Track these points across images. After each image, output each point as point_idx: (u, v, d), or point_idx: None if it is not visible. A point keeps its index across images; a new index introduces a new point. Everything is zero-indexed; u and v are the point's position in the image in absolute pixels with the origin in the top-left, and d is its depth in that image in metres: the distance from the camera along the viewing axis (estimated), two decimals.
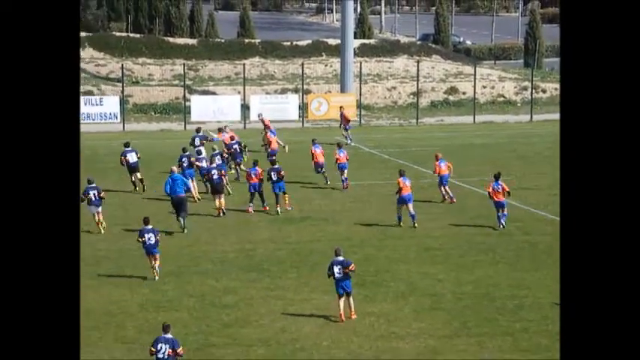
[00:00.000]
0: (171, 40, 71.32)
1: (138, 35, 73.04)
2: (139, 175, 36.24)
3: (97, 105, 52.46)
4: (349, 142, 46.00)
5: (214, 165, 34.13)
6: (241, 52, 69.10)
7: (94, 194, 30.10)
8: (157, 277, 25.70)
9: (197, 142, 38.67)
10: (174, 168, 31.98)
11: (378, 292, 24.47)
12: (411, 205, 30.86)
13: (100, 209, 30.35)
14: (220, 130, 40.31)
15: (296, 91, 58.67)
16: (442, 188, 34.43)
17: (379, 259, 27.44)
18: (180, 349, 18.47)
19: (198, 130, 40.25)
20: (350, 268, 22.33)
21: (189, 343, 20.64)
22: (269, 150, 39.92)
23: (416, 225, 30.76)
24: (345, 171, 36.61)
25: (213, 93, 59.10)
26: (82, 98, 53.30)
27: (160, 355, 18.33)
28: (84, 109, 51.59)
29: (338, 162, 36.47)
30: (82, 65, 63.59)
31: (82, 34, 71.37)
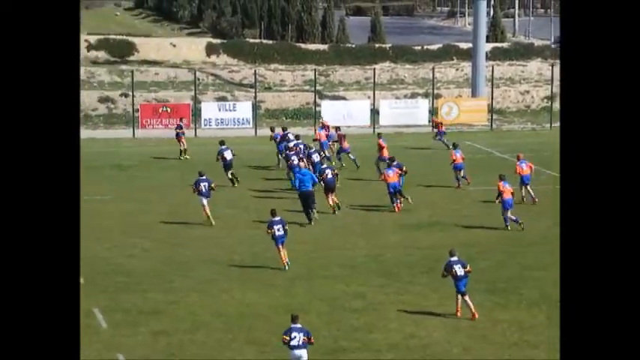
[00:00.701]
0: (302, 46, 71.93)
1: (270, 41, 73.90)
2: (231, 171, 38.00)
3: (230, 110, 53.26)
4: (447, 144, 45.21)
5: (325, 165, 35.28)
6: (372, 56, 69.25)
7: (204, 186, 31.82)
8: (287, 267, 26.80)
9: (291, 137, 40.43)
10: (302, 164, 34.49)
11: (510, 300, 24.23)
12: (510, 211, 31.21)
13: (205, 201, 31.78)
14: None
15: (426, 95, 58.48)
16: (523, 189, 34.69)
17: (511, 266, 27.17)
18: (312, 337, 19.61)
19: (284, 130, 42.18)
20: (468, 269, 23.15)
21: (319, 346, 20.79)
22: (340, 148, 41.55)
23: (522, 227, 30.93)
24: (462, 171, 37.11)
25: (343, 98, 59.36)
26: (217, 104, 54.26)
27: (295, 343, 19.31)
28: (218, 114, 52.49)
29: (454, 162, 36.98)
30: (217, 71, 64.72)
31: (217, 40, 72.63)
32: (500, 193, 31.19)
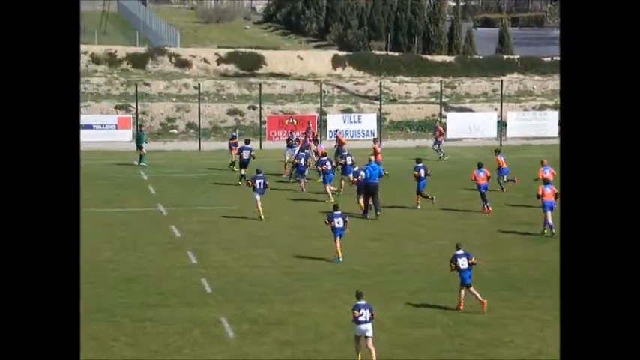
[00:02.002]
0: (429, 57, 71.76)
1: (397, 53, 73.92)
2: (244, 171, 39.87)
3: (355, 122, 53.51)
4: (442, 156, 46.80)
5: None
6: (499, 68, 68.66)
7: (259, 183, 34.12)
8: (341, 259, 28.66)
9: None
10: (372, 158, 36.27)
11: None
12: (550, 214, 31.51)
13: (259, 197, 33.98)
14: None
15: (555, 107, 57.66)
16: None
17: None
18: (374, 313, 21.20)
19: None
20: (472, 260, 24.45)
21: None
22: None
23: (553, 232, 31.29)
24: (505, 176, 38.55)
25: (470, 110, 58.98)
26: (342, 116, 54.53)
27: (362, 318, 21.03)
28: (343, 126, 52.78)
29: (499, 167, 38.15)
30: (343, 83, 65.05)
31: (343, 53, 73.04)
32: (540, 195, 32.07)
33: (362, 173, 35.08)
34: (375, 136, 48.31)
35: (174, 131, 55.43)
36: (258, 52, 71.38)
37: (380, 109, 55.34)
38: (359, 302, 21.31)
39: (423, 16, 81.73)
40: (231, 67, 68.57)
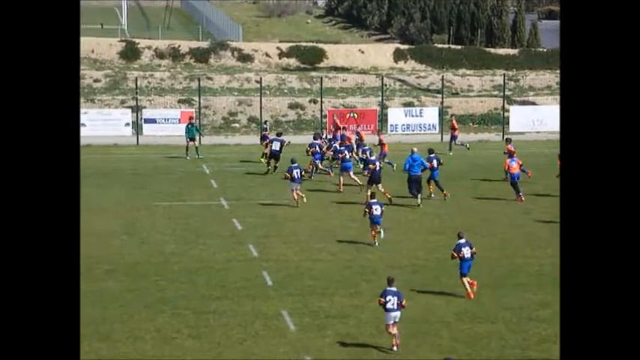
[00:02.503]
0: (492, 50, 71.26)
1: (459, 47, 73.52)
2: (275, 162, 41.09)
3: (417, 116, 53.31)
4: (449, 150, 46.47)
5: (374, 157, 36.84)
6: None
7: (297, 172, 34.94)
8: (377, 244, 29.56)
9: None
10: (415, 149, 36.31)
11: None
12: None
13: (299, 186, 35.06)
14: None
15: None
16: None
17: None
18: (404, 301, 21.42)
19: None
20: (474, 250, 24.93)
21: (507, 356, 20.53)
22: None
23: None
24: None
25: (533, 103, 58.47)
26: (403, 109, 54.38)
27: (390, 306, 21.23)
28: (404, 120, 52.64)
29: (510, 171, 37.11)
30: (404, 77, 64.87)
31: (405, 46, 72.82)
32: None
33: (376, 163, 35.65)
34: (380, 128, 48.26)
35: (236, 125, 55.67)
36: (320, 45, 71.44)
37: (442, 103, 55.08)
38: (388, 289, 21.54)
39: (486, 9, 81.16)
40: (292, 61, 68.70)
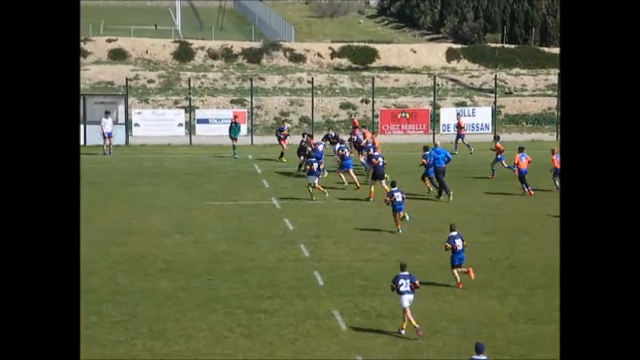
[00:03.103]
0: (546, 49, 70.72)
1: (512, 46, 73.04)
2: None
3: (469, 116, 53.06)
4: (456, 151, 45.75)
5: (377, 152, 37.36)
6: None
7: (315, 166, 36.05)
8: (401, 231, 31.14)
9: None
10: (438, 142, 38.01)
11: None
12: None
13: (317, 180, 36.01)
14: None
15: None
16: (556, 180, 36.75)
17: None
18: (417, 281, 22.31)
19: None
20: (465, 242, 25.76)
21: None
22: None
23: None
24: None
25: None
26: (456, 109, 54.13)
27: (403, 289, 22.10)
28: (456, 119, 52.37)
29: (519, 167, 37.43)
30: (457, 77, 64.58)
31: (458, 45, 72.51)
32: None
33: (380, 159, 36.32)
34: (365, 124, 47.31)
35: (288, 125, 55.79)
36: (372, 45, 71.34)
37: (495, 102, 54.75)
38: (400, 273, 22.36)
39: (540, 8, 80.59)
40: (344, 61, 68.68)
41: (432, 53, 69.72)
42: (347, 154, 38.83)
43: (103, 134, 46.36)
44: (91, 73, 62.16)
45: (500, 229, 31.94)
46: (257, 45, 71.08)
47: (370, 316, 23.84)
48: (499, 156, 40.64)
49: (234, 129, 46.00)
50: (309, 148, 40.05)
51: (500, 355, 21.13)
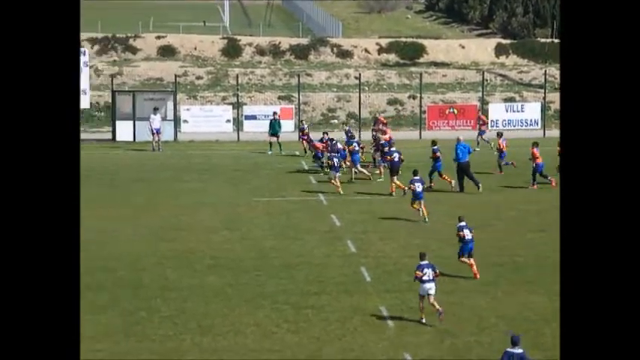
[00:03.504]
0: None
1: None
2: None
3: (518, 112, 52.77)
4: (477, 148, 45.36)
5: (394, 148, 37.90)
6: None
7: (336, 161, 36.77)
8: (427, 219, 32.11)
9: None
10: (461, 137, 38.12)
11: None
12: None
13: (338, 174, 36.76)
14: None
15: None
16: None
17: None
18: (438, 271, 23.17)
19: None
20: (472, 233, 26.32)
21: None
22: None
23: None
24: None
25: None
26: (504, 105, 53.84)
27: (426, 277, 22.83)
28: (505, 115, 52.13)
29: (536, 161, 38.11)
30: (505, 72, 64.22)
31: (507, 41, 72.06)
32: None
33: (395, 154, 36.75)
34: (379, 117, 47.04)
35: (335, 121, 55.80)
36: (420, 41, 71.16)
37: (544, 98, 54.38)
38: (422, 263, 22.98)
39: None
40: (392, 57, 68.57)
41: (480, 49, 69.38)
42: (357, 149, 39.43)
43: (152, 130, 46.69)
44: (140, 70, 62.64)
45: (548, 225, 31.71)
46: (304, 41, 71.17)
47: (417, 312, 23.80)
48: (502, 153, 40.91)
49: (274, 125, 46.12)
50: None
51: (548, 353, 21.01)
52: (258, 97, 57.25)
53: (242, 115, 51.54)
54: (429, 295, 22.89)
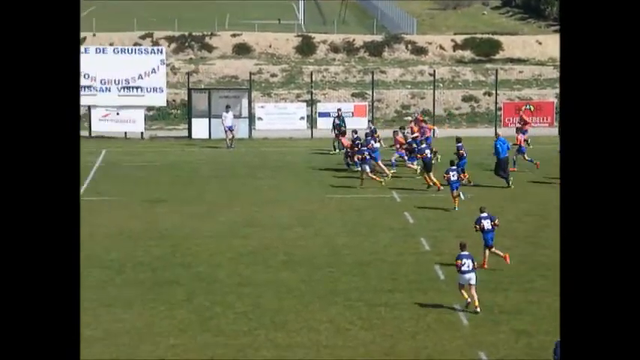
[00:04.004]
0: None
1: None
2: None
3: None
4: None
5: (424, 145, 37.85)
6: None
7: (367, 154, 37.24)
8: (457, 208, 33.26)
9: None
10: (500, 133, 38.97)
11: None
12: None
13: (368, 168, 37.19)
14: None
15: None
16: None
17: None
18: (476, 263, 23.56)
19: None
20: (496, 222, 26.73)
21: None
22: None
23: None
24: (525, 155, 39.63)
25: None
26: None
27: (465, 268, 23.21)
28: None
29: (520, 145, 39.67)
30: None
31: None
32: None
33: (427, 151, 37.05)
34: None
35: (409, 118, 55.64)
36: (496, 37, 70.62)
37: None
38: (461, 253, 23.37)
39: None
40: (467, 54, 68.16)
41: (558, 44, 68.62)
42: (375, 146, 39.48)
43: (224, 128, 46.98)
44: (216, 68, 63.13)
45: None
46: (379, 38, 71.07)
47: (493, 311, 23.65)
48: (521, 148, 40.76)
49: (338, 123, 46.07)
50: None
51: None
52: (331, 95, 57.31)
53: (316, 112, 51.64)
54: (469, 284, 23.24)
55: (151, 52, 49.71)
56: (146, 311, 24.01)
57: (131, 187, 37.89)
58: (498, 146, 37.20)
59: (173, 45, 67.77)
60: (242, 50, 68.35)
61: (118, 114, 48.26)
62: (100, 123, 48.45)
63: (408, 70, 62.85)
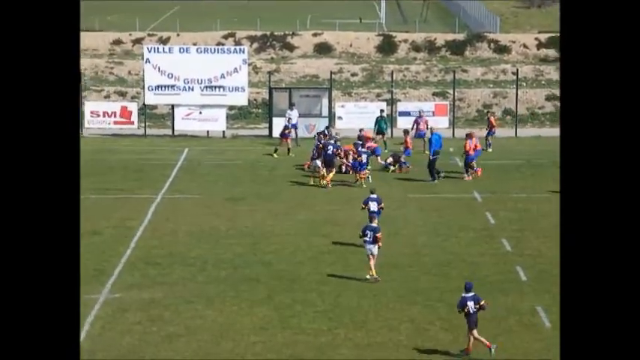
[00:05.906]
0: None
1: None
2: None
3: None
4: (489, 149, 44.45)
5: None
6: None
7: (365, 157, 38.05)
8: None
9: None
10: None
11: None
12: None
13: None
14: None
15: None
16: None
17: None
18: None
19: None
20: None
21: None
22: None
23: None
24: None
25: None
26: None
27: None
28: None
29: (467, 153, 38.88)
30: None
31: None
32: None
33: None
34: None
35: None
36: None
37: None
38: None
39: None
40: (551, 52, 67.46)
41: None
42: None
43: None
44: (297, 67, 63.35)
45: None
46: (460, 37, 70.66)
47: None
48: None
49: (380, 123, 45.82)
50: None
51: None
52: (412, 94, 57.12)
53: (396, 111, 51.51)
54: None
55: (234, 52, 50.06)
56: (227, 308, 24.20)
57: (212, 185, 38.22)
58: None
59: (255, 44, 68.20)
60: (323, 49, 68.49)
61: (200, 113, 48.69)
62: (183, 122, 48.94)
63: (491, 69, 62.37)
